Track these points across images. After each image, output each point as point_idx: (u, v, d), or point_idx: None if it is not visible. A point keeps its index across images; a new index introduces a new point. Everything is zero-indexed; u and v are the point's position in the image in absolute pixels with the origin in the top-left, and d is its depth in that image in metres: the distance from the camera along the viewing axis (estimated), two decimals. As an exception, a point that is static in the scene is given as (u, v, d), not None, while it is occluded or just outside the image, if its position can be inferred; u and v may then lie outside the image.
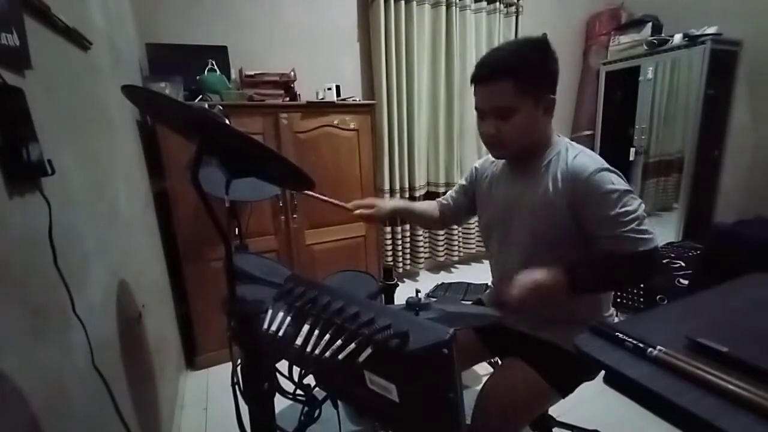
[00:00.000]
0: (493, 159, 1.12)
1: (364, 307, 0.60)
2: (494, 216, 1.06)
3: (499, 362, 1.16)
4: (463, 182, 1.20)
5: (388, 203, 1.28)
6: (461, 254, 3.16)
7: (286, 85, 2.11)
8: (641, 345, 0.59)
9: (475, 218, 1.19)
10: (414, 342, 0.53)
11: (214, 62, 1.96)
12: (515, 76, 0.86)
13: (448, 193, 1.26)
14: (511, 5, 2.92)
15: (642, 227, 0.85)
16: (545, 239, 0.94)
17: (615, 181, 0.86)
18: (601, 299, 1.03)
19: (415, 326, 0.55)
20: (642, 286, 2.22)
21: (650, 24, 2.84)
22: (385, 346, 0.54)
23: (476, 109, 0.96)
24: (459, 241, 3.13)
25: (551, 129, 0.98)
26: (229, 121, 1.67)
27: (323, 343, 0.60)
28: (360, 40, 2.62)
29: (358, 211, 1.19)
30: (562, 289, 0.87)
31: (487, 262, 1.18)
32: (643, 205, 0.87)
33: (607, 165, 0.89)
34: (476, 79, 0.92)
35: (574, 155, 0.91)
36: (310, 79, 2.28)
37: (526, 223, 0.97)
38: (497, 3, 2.86)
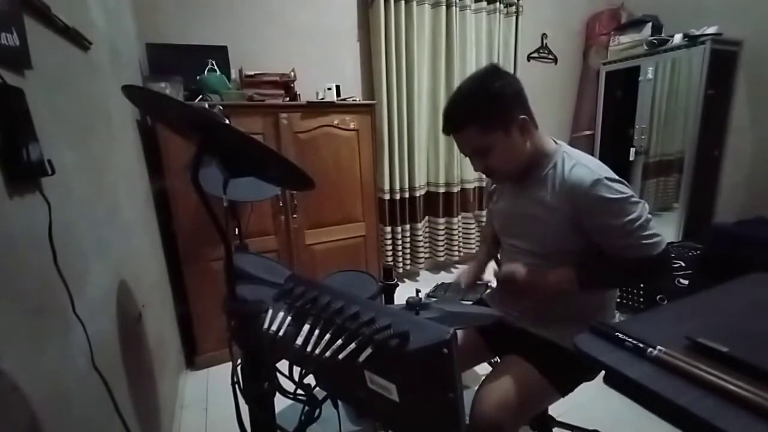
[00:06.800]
0: None
1: (364, 307, 0.60)
2: (501, 226, 1.11)
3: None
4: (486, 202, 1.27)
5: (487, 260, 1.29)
6: (461, 254, 3.15)
7: (286, 85, 2.11)
8: (641, 345, 0.59)
9: (473, 217, 1.22)
10: (414, 342, 0.53)
11: (214, 62, 1.96)
12: (474, 122, 0.90)
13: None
14: (511, 5, 2.92)
15: (648, 231, 0.85)
16: (544, 249, 0.97)
17: (614, 191, 0.85)
18: (605, 299, 1.03)
19: (415, 326, 0.55)
20: (642, 285, 2.22)
21: (650, 24, 2.83)
22: (386, 346, 0.54)
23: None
24: (459, 241, 3.12)
25: (542, 139, 0.98)
26: (229, 122, 1.67)
27: (323, 342, 0.60)
28: (360, 40, 2.61)
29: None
30: (569, 283, 0.90)
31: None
32: (646, 207, 0.88)
33: (604, 173, 0.87)
34: (444, 132, 0.97)
35: (571, 166, 0.91)
36: (310, 79, 2.28)
37: (525, 233, 1.00)
38: (497, 3, 2.86)
